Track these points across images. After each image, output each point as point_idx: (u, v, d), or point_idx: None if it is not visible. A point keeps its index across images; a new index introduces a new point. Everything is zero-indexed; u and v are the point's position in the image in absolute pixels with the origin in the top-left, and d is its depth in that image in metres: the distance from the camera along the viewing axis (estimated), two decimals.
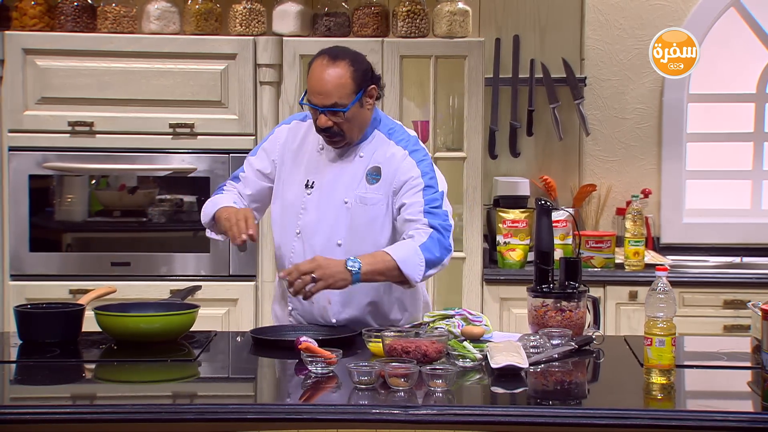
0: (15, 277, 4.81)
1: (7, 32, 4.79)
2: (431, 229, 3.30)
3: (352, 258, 3.20)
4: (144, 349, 3.15)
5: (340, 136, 3.35)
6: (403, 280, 3.26)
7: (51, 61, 4.78)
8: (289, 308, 3.50)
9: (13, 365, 3.05)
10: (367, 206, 3.39)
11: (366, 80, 3.34)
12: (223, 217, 3.37)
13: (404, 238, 3.32)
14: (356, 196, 3.39)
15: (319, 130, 3.35)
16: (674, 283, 4.94)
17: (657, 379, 2.78)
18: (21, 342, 3.23)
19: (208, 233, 3.55)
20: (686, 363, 3.08)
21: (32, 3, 4.84)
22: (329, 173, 3.42)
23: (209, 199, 3.55)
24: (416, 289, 3.46)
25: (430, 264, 3.27)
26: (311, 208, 3.42)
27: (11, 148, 4.78)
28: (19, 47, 4.76)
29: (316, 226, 3.41)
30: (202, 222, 3.54)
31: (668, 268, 2.90)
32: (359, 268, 3.18)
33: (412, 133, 3.51)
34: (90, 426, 2.60)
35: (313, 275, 3.14)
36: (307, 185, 3.44)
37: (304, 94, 3.37)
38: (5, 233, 4.80)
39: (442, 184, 3.42)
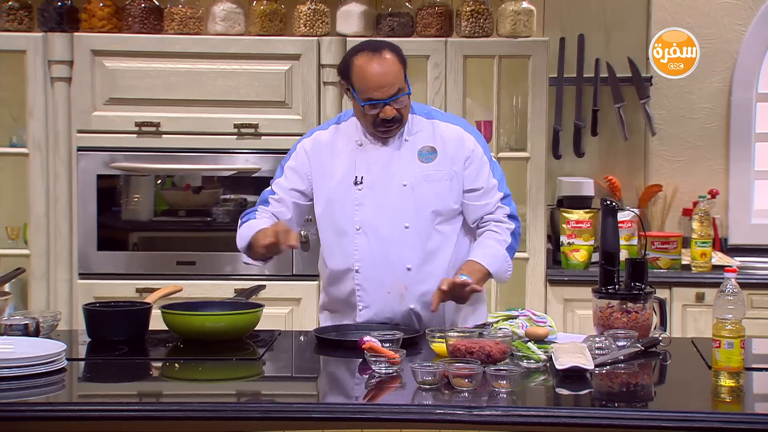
0: (83, 275, 4.88)
1: (76, 34, 4.86)
2: (512, 224, 3.48)
3: (463, 274, 3.31)
4: (209, 348, 3.17)
5: (400, 121, 3.39)
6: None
7: (119, 62, 4.84)
8: (360, 308, 3.47)
9: (82, 363, 3.09)
10: (429, 183, 3.42)
11: (405, 62, 3.40)
12: (260, 235, 3.33)
13: (490, 230, 3.46)
14: (414, 176, 3.41)
15: (382, 123, 3.36)
16: (742, 285, 4.85)
17: (725, 381, 2.74)
18: (89, 340, 3.27)
19: (244, 258, 3.50)
20: (755, 366, 3.03)
21: (101, 5, 4.91)
22: (377, 164, 3.43)
23: (243, 224, 3.49)
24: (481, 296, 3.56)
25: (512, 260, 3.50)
26: (367, 202, 3.42)
27: (80, 149, 4.85)
28: (88, 48, 4.82)
29: (379, 217, 3.41)
30: (238, 246, 3.49)
31: (737, 269, 2.86)
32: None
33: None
34: (156, 423, 2.63)
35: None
36: (355, 182, 3.44)
37: (358, 98, 3.34)
38: (74, 232, 4.87)
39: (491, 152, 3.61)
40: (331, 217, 3.47)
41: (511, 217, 3.49)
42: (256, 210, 3.54)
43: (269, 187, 3.57)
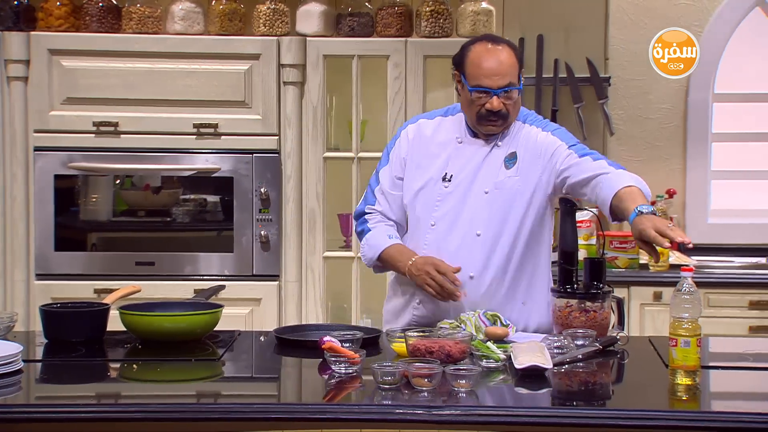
0: (40, 276, 4.84)
1: (32, 33, 4.82)
2: (613, 167, 3.29)
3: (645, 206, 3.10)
4: (168, 349, 3.16)
5: (505, 118, 3.37)
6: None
7: (76, 61, 4.80)
8: (416, 301, 3.46)
9: (39, 364, 3.06)
10: (503, 191, 3.39)
11: (521, 62, 3.40)
12: (414, 274, 3.34)
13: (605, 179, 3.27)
14: (495, 183, 3.39)
15: (488, 114, 3.34)
16: (699, 284, 4.89)
17: (682, 380, 2.77)
18: (46, 341, 3.24)
19: (376, 270, 3.58)
20: (712, 364, 3.06)
21: (57, 4, 4.87)
22: (468, 165, 3.42)
23: (363, 239, 3.53)
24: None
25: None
26: (449, 200, 3.42)
27: (37, 148, 4.81)
28: (45, 48, 4.78)
29: (455, 218, 3.41)
30: (367, 265, 3.55)
31: (693, 268, 2.88)
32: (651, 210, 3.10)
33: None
34: (115, 425, 2.61)
35: None
36: (444, 178, 3.43)
37: (468, 85, 3.33)
38: (31, 233, 4.83)
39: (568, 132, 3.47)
40: (414, 207, 3.47)
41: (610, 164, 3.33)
42: (366, 215, 3.56)
43: (374, 175, 3.58)
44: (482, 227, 3.39)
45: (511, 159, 3.41)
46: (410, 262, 3.38)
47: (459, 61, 3.41)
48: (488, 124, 3.38)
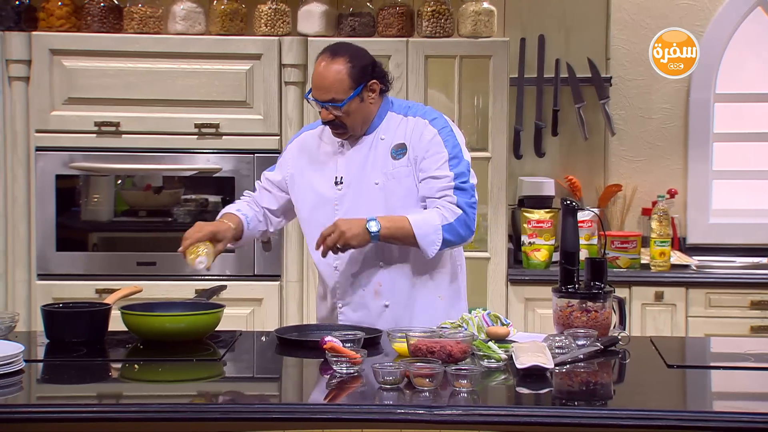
0: (42, 276, 4.84)
1: (34, 33, 4.82)
2: (460, 211, 3.40)
3: (374, 219, 3.34)
4: (169, 349, 3.16)
5: (343, 128, 3.46)
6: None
7: (77, 61, 4.80)
8: (339, 305, 3.53)
9: (40, 364, 3.06)
10: (398, 180, 3.46)
11: (365, 76, 3.43)
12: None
13: (437, 206, 3.41)
14: (385, 174, 3.47)
15: (323, 122, 3.47)
16: (701, 284, 4.93)
17: None
18: (48, 341, 3.24)
19: None
20: (713, 364, 3.06)
21: (59, 4, 4.87)
22: (355, 165, 3.50)
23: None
24: (459, 291, 3.59)
25: (447, 243, 3.41)
26: (345, 201, 3.49)
27: (38, 148, 4.81)
28: (46, 48, 4.78)
29: (353, 216, 3.45)
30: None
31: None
32: (378, 230, 3.33)
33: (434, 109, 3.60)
34: (116, 425, 2.61)
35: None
36: (336, 182, 3.51)
37: (309, 90, 3.47)
38: (32, 233, 4.83)
39: (467, 154, 3.52)
40: (315, 216, 3.53)
41: (461, 207, 3.42)
42: (243, 195, 3.72)
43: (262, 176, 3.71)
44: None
45: (399, 150, 3.48)
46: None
47: None
48: (331, 129, 3.49)
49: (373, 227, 3.33)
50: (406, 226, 3.36)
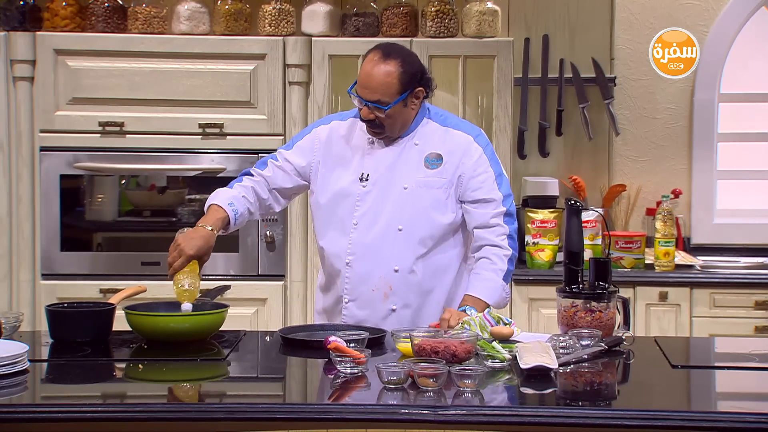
0: (46, 276, 4.84)
1: (38, 33, 4.82)
2: (510, 250, 3.46)
3: (471, 308, 3.32)
4: (174, 349, 3.16)
5: (381, 128, 3.43)
6: None
7: (82, 61, 4.81)
8: (345, 300, 3.52)
9: (45, 364, 3.06)
10: (429, 189, 3.46)
11: (413, 82, 3.41)
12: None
13: (486, 258, 3.44)
14: (416, 181, 3.46)
15: (362, 119, 3.43)
16: (705, 284, 4.92)
17: None
18: (52, 341, 3.25)
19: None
20: (717, 364, 3.06)
21: (63, 4, 4.88)
22: (384, 163, 3.48)
23: (222, 188, 3.55)
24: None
25: (509, 280, 3.50)
26: (368, 199, 3.48)
27: (42, 148, 4.82)
28: (51, 48, 4.79)
29: (376, 215, 3.45)
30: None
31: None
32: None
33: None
34: (120, 425, 2.61)
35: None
36: (361, 178, 3.48)
37: (354, 84, 3.43)
38: (36, 233, 4.84)
39: (501, 166, 3.57)
40: (334, 208, 3.51)
41: (510, 238, 3.48)
42: (244, 175, 3.59)
43: (272, 154, 3.62)
44: (404, 222, 3.45)
45: (435, 159, 3.47)
46: (185, 229, 3.44)
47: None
48: (367, 128, 3.46)
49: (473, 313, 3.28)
50: (483, 304, 3.37)
